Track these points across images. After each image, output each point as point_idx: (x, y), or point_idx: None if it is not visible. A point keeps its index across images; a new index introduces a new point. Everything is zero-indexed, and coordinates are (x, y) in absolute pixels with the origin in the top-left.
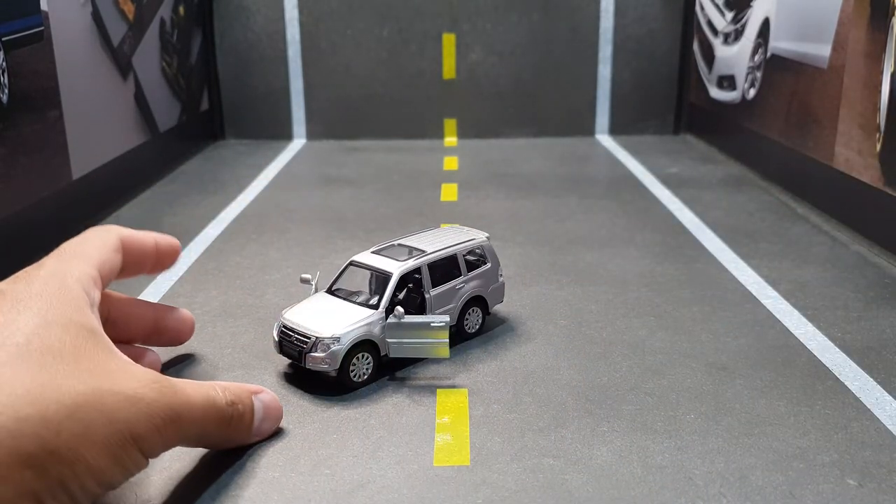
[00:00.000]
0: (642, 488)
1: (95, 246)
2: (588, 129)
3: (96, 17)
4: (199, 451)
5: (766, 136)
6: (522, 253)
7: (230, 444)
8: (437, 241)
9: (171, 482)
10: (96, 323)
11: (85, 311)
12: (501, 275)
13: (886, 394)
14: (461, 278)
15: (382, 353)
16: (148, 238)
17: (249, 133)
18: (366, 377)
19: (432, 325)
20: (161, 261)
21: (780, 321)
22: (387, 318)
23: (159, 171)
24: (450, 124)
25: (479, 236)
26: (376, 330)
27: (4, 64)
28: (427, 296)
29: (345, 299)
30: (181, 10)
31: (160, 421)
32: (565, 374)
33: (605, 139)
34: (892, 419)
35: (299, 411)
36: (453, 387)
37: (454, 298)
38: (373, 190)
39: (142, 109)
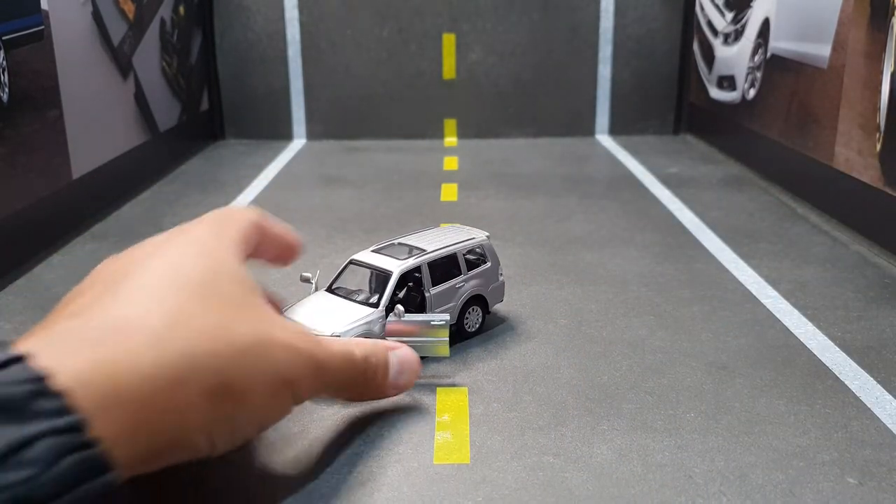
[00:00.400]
0: (642, 486)
1: (246, 218)
2: (588, 130)
3: (96, 16)
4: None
5: (766, 136)
6: (522, 253)
7: (368, 396)
8: (438, 240)
9: (171, 481)
10: (252, 280)
11: (245, 267)
12: (501, 274)
13: (886, 393)
14: (461, 277)
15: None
16: (281, 230)
17: (249, 133)
18: (476, 327)
19: (432, 323)
20: (283, 255)
21: (780, 321)
22: (387, 317)
23: (159, 171)
24: (450, 124)
25: (479, 235)
26: (376, 328)
27: (5, 63)
28: (427, 294)
29: (345, 298)
30: (181, 9)
31: (309, 370)
32: (565, 372)
33: (605, 139)
34: (891, 418)
35: (299, 409)
36: (453, 385)
37: (454, 297)
38: (373, 190)
39: (142, 109)
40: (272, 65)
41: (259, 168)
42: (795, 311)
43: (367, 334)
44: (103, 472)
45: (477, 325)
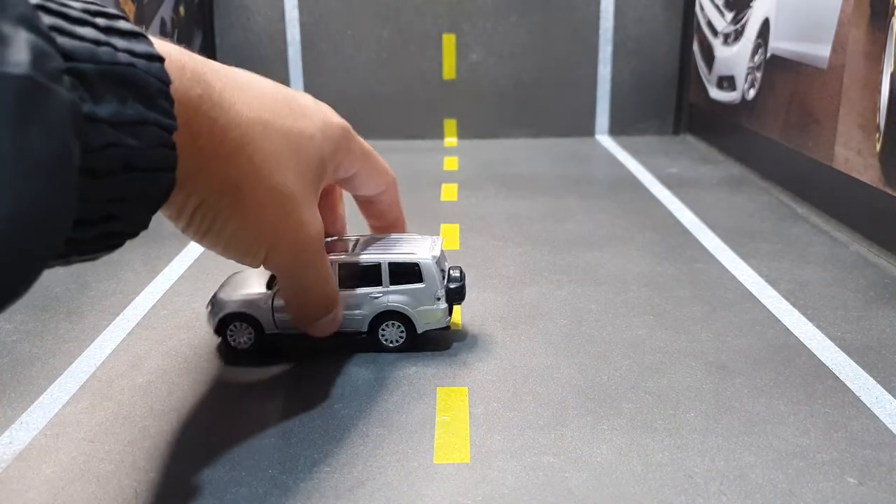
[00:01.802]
0: (642, 486)
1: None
2: (588, 130)
3: None
4: (197, 450)
5: (765, 137)
6: (522, 253)
7: (304, 314)
8: (378, 249)
9: (171, 481)
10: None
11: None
12: (440, 298)
13: (886, 392)
14: (379, 289)
15: (267, 331)
16: (395, 208)
17: None
18: (246, 346)
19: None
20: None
21: (779, 321)
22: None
23: None
24: (450, 125)
25: (425, 256)
26: (261, 305)
27: None
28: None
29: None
30: (182, 10)
31: (305, 242)
32: (565, 372)
33: (604, 139)
34: (891, 418)
35: (299, 409)
36: (453, 385)
37: (365, 305)
38: None
39: None
40: (272, 65)
41: None
42: (795, 311)
43: (247, 309)
44: (170, 171)
45: (398, 343)
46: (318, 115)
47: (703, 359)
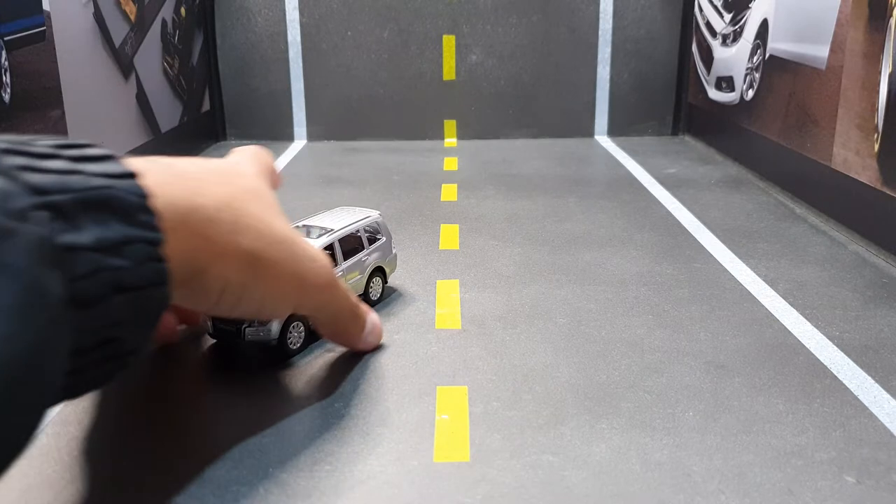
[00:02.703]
0: (641, 485)
1: (266, 159)
2: (587, 130)
3: (98, 17)
4: (198, 449)
5: (764, 137)
6: (522, 252)
7: (345, 338)
8: (339, 221)
9: (172, 480)
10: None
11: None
12: (394, 247)
13: (884, 392)
14: (364, 252)
15: (311, 322)
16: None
17: (250, 134)
18: (299, 344)
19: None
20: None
21: (778, 320)
22: None
23: None
24: (450, 125)
25: (372, 214)
26: None
27: (7, 63)
28: (340, 269)
29: None
30: (183, 11)
31: (322, 285)
32: (564, 372)
33: (604, 140)
34: (889, 417)
35: (299, 407)
36: (453, 384)
37: (361, 269)
38: (373, 190)
39: (143, 110)
40: (273, 66)
41: None
42: (794, 311)
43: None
44: (164, 285)
45: (379, 294)
46: (237, 163)
47: (701, 358)
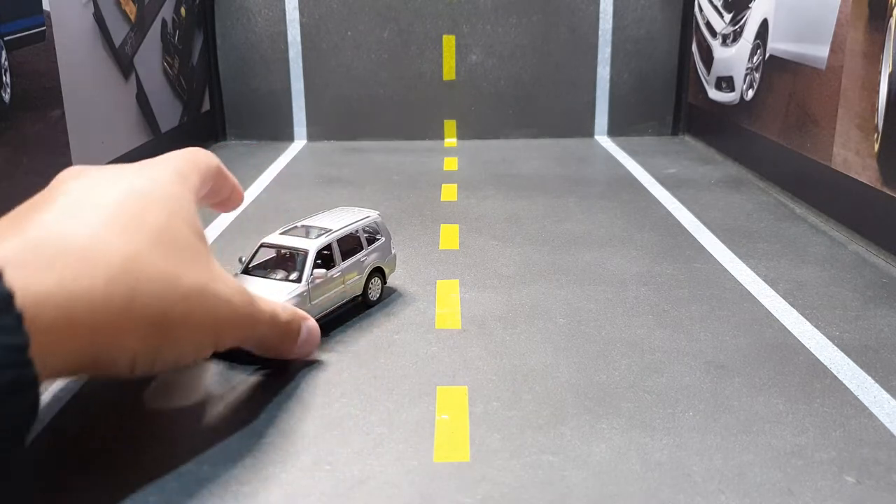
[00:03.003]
0: (641, 485)
1: (204, 163)
2: (587, 131)
3: (98, 17)
4: (199, 449)
5: (764, 137)
6: (522, 253)
7: (278, 354)
8: (338, 221)
9: (172, 479)
10: (202, 229)
11: (197, 216)
12: (394, 247)
13: (884, 392)
14: (363, 252)
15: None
16: (231, 177)
17: (250, 134)
18: None
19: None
20: (232, 200)
21: (778, 320)
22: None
23: None
24: (450, 125)
25: (371, 214)
26: (305, 301)
27: (6, 63)
28: (339, 269)
29: (263, 278)
30: (183, 10)
31: (239, 323)
32: (564, 372)
33: (604, 140)
34: (889, 417)
35: (300, 407)
36: (453, 384)
37: (359, 270)
38: (373, 190)
39: (143, 110)
40: (273, 66)
41: (260, 169)
42: (794, 311)
43: (300, 306)
44: (29, 392)
45: (378, 294)
46: (156, 182)
47: (701, 358)
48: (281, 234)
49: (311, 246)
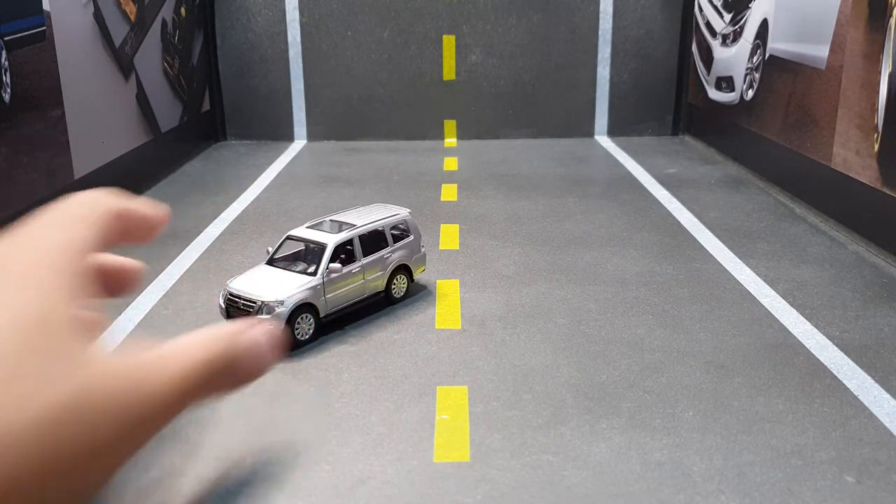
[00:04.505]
0: (641, 485)
1: (103, 211)
2: (587, 131)
3: (98, 17)
4: (199, 449)
5: (764, 137)
6: (522, 252)
7: (245, 380)
8: (366, 217)
9: (172, 479)
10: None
11: (71, 299)
12: (423, 246)
13: (884, 392)
14: (388, 249)
15: (322, 315)
16: (143, 211)
17: (250, 134)
18: (308, 336)
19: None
20: (145, 236)
21: (778, 320)
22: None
23: (161, 172)
24: (450, 125)
25: (401, 212)
26: (318, 294)
27: (7, 63)
28: (359, 264)
29: (284, 269)
30: (183, 11)
31: (168, 405)
32: (564, 371)
33: (604, 140)
34: (889, 417)
35: (301, 407)
36: (453, 384)
37: (383, 266)
38: (373, 190)
39: (143, 110)
40: (273, 66)
41: (260, 168)
42: (793, 311)
43: (308, 299)
44: None
45: (403, 292)
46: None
47: (701, 358)
48: (307, 227)
49: (330, 240)
